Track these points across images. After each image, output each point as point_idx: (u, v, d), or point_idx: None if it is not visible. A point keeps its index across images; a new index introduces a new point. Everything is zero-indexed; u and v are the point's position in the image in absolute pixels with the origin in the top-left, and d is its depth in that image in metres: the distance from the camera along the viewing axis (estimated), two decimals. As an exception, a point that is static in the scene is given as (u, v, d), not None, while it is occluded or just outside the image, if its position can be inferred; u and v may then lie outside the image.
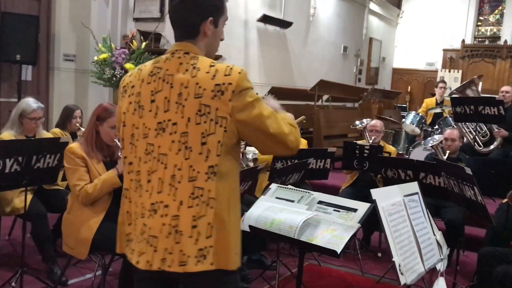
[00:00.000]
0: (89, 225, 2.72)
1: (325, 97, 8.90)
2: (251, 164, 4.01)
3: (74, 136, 4.29)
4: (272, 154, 3.82)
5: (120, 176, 2.84)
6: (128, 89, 1.74)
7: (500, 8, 13.90)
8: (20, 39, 5.80)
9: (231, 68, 1.59)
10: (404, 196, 2.05)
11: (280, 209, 2.21)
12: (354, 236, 2.13)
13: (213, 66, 1.59)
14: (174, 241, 1.59)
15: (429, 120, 7.78)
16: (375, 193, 1.89)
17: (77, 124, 4.29)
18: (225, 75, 1.57)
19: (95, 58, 5.60)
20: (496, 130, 5.86)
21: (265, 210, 2.20)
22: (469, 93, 6.35)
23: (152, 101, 1.65)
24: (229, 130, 1.58)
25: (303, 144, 4.92)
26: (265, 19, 8.64)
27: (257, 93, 1.66)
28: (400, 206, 1.98)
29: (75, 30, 6.91)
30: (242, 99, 1.58)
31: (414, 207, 2.08)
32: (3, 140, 3.37)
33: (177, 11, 1.68)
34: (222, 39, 1.77)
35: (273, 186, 2.60)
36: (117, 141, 2.89)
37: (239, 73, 1.59)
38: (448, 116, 7.04)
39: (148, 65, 1.73)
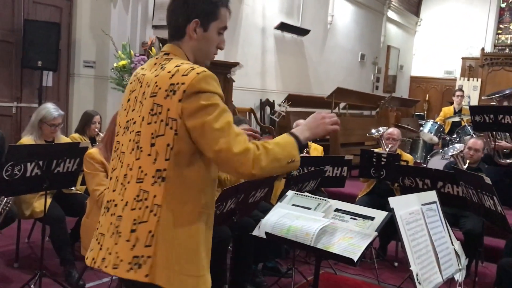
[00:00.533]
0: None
1: (342, 104, 8.88)
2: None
3: (93, 142, 4.35)
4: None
5: None
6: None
7: (521, 16, 13.74)
8: (42, 46, 5.92)
9: (193, 68, 1.49)
10: (422, 205, 2.04)
11: (296, 216, 2.21)
12: (371, 244, 2.12)
13: (178, 66, 1.52)
14: (114, 242, 1.52)
15: (447, 129, 7.70)
16: (393, 201, 1.88)
17: (96, 130, 4.34)
18: (183, 75, 1.48)
19: (115, 64, 5.68)
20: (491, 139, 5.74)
21: (281, 217, 2.19)
22: (506, 103, 6.19)
23: (128, 100, 1.65)
24: (181, 133, 1.46)
25: (319, 151, 4.90)
26: (283, 26, 8.67)
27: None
28: (418, 215, 1.96)
29: (95, 37, 7.02)
30: (193, 102, 1.45)
31: (432, 216, 2.06)
32: (25, 145, 3.43)
33: (167, 10, 1.66)
34: (220, 48, 1.68)
35: (290, 193, 2.60)
36: None
37: (198, 73, 1.47)
38: (466, 124, 6.96)
39: (140, 67, 1.73)
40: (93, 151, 2.86)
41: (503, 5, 13.97)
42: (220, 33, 1.66)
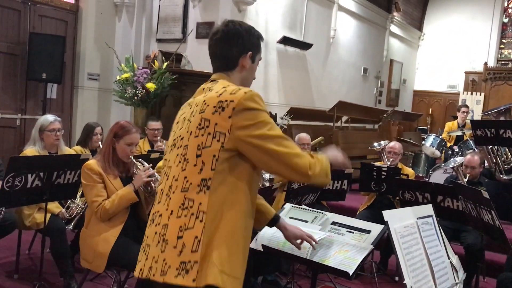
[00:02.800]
0: (107, 238, 2.77)
1: (344, 118, 8.89)
2: (267, 184, 4.03)
3: (94, 154, 4.39)
4: (280, 177, 3.70)
5: (137, 192, 2.90)
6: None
7: (524, 31, 13.78)
8: (47, 59, 6.00)
9: (239, 89, 1.63)
10: (417, 218, 2.04)
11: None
12: (366, 258, 2.12)
13: (225, 87, 1.66)
14: (160, 250, 1.59)
15: (451, 143, 7.69)
16: (387, 214, 1.89)
17: (98, 141, 4.38)
18: (231, 93, 1.62)
19: (118, 77, 5.74)
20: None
21: (277, 231, 2.20)
22: (503, 118, 6.20)
23: (177, 122, 1.78)
24: (227, 147, 1.58)
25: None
26: (285, 40, 8.73)
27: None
28: (413, 228, 1.97)
29: (100, 50, 7.12)
30: (243, 118, 1.58)
31: (427, 229, 2.06)
32: (25, 156, 3.47)
33: (218, 45, 1.78)
34: (254, 78, 1.85)
35: (287, 206, 2.61)
36: (132, 158, 2.96)
37: (245, 92, 1.61)
38: (469, 139, 6.96)
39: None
40: (91, 162, 2.88)
41: (505, 20, 14.02)
42: (257, 64, 1.87)
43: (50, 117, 3.80)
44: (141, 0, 7.38)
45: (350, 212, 5.15)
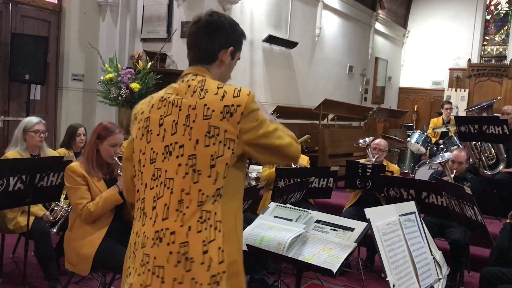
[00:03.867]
0: (91, 241, 2.75)
1: (330, 116, 8.93)
2: (253, 183, 4.03)
3: (79, 156, 4.35)
4: (275, 165, 3.97)
5: (121, 193, 2.88)
6: (138, 116, 1.74)
7: (506, 28, 13.95)
8: (30, 59, 5.93)
9: (239, 90, 1.59)
10: (400, 215, 2.06)
11: (269, 227, 2.23)
12: (350, 255, 2.14)
13: (221, 87, 1.60)
14: (185, 269, 1.51)
15: (436, 139, 7.76)
16: (369, 212, 1.90)
17: (81, 143, 4.35)
18: (234, 96, 1.57)
19: (102, 77, 5.70)
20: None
21: (255, 227, 2.21)
22: (485, 114, 6.28)
23: (161, 124, 1.64)
24: (236, 151, 1.57)
25: (305, 161, 4.93)
26: (271, 39, 8.74)
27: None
28: (395, 225, 1.99)
29: (84, 51, 7.05)
30: (250, 121, 1.57)
31: (410, 226, 2.08)
32: (7, 159, 3.43)
33: (199, 34, 1.69)
34: (229, 78, 1.80)
35: (272, 205, 2.62)
36: (116, 159, 2.93)
37: (248, 95, 1.59)
38: (453, 135, 7.03)
39: (160, 92, 1.74)
40: (74, 164, 2.86)
41: (488, 17, 14.19)
42: (235, 63, 1.80)
43: (34, 119, 3.78)
44: (125, 0, 7.33)
45: (337, 209, 5.18)
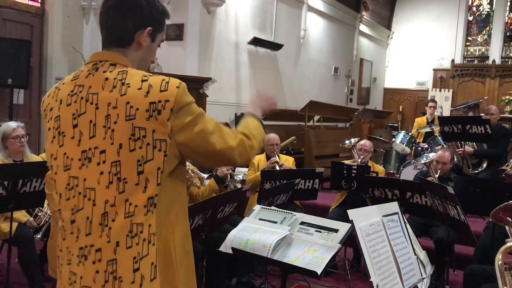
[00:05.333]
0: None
1: (316, 117, 8.98)
2: (239, 186, 4.04)
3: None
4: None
5: None
6: (47, 113, 1.49)
7: (488, 28, 14.15)
8: (12, 63, 5.86)
9: (167, 82, 1.37)
10: (383, 216, 2.08)
11: (254, 229, 2.23)
12: (335, 256, 2.15)
13: (146, 80, 1.37)
14: None
15: (420, 139, 7.83)
16: (352, 213, 1.91)
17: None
18: (161, 90, 1.35)
19: (86, 81, 5.66)
20: (461, 149, 5.89)
21: (240, 230, 2.21)
22: (471, 114, 6.36)
23: (75, 125, 1.40)
24: (170, 154, 1.38)
25: (290, 162, 4.95)
26: (256, 41, 8.76)
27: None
28: (378, 226, 2.00)
29: (68, 54, 6.99)
30: (181, 118, 1.37)
31: (393, 227, 2.10)
32: (-11, 165, 3.38)
33: (111, 12, 1.46)
34: (153, 61, 1.62)
35: (257, 207, 2.62)
36: None
37: (177, 87, 1.37)
38: (437, 135, 7.10)
39: (66, 82, 1.48)
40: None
41: (470, 18, 14.38)
42: (159, 46, 1.57)
43: (12, 124, 3.73)
44: (108, 3, 7.29)
45: (323, 210, 5.21)
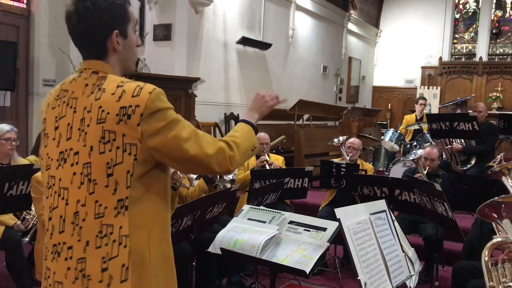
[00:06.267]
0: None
1: (306, 116, 8.99)
2: (228, 186, 4.03)
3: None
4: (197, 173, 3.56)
5: None
6: (42, 115, 1.57)
7: (474, 26, 14.26)
8: (-2, 66, 5.80)
9: (141, 88, 1.39)
10: (370, 214, 2.09)
11: (243, 229, 2.23)
12: (323, 255, 2.16)
13: (121, 86, 1.40)
14: (82, 287, 1.39)
15: (409, 137, 7.88)
16: (339, 212, 1.92)
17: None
18: (133, 96, 1.38)
19: (73, 83, 5.61)
20: (449, 146, 5.94)
21: (229, 230, 2.21)
22: (459, 111, 6.40)
23: (56, 127, 1.47)
24: (141, 158, 1.39)
25: (280, 161, 4.95)
26: (244, 41, 8.75)
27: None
28: (366, 224, 2.01)
29: (55, 55, 6.93)
30: (153, 123, 1.38)
31: (381, 225, 2.11)
32: (-26, 168, 3.35)
33: (75, 33, 1.48)
34: (138, 45, 1.58)
35: (246, 207, 2.62)
36: None
37: (150, 92, 1.39)
38: (426, 132, 7.15)
39: (56, 88, 1.55)
40: (39, 174, 2.81)
41: (457, 16, 14.49)
42: (135, 30, 1.56)
43: (6, 127, 3.72)
44: (95, 3, 7.23)
45: (313, 208, 5.22)
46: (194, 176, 4.01)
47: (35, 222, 3.65)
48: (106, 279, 1.37)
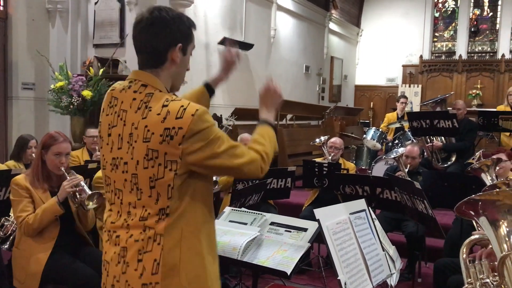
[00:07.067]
0: (38, 257, 2.67)
1: (289, 116, 9.01)
2: (210, 187, 4.01)
3: (28, 168, 4.21)
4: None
5: (64, 203, 2.78)
6: (101, 116, 1.70)
7: (453, 24, 14.46)
8: (-26, 69, 5.70)
9: (184, 109, 1.49)
10: (350, 214, 2.10)
11: (224, 232, 2.23)
12: (305, 256, 2.16)
13: (166, 106, 1.51)
14: (121, 271, 1.58)
15: (391, 135, 7.95)
16: (319, 212, 1.92)
17: (33, 155, 4.21)
18: (177, 118, 1.48)
19: (52, 86, 5.54)
20: (430, 143, 6.01)
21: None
22: (439, 109, 6.47)
23: (109, 135, 1.62)
24: (181, 172, 1.52)
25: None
26: (226, 41, 8.73)
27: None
28: (345, 224, 2.02)
29: (34, 58, 6.83)
30: (194, 143, 1.50)
31: (360, 224, 2.12)
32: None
33: (143, 36, 1.59)
34: (188, 69, 1.69)
35: (227, 209, 2.62)
36: (63, 169, 2.84)
37: (192, 115, 1.49)
38: (407, 130, 7.22)
39: (108, 93, 1.67)
40: (19, 177, 2.77)
41: (437, 15, 14.67)
42: (191, 54, 1.69)
43: None
44: (75, 5, 7.14)
45: (297, 208, 5.23)
46: None
47: (14, 229, 3.58)
48: (140, 269, 1.54)
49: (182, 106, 1.50)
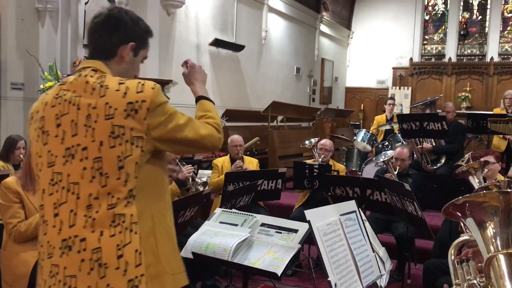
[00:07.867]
0: (26, 259, 2.65)
1: (280, 117, 9.03)
2: (201, 188, 4.01)
3: (17, 169, 4.18)
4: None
5: None
6: (34, 115, 1.62)
7: (443, 27, 14.58)
8: (-37, 69, 5.64)
9: (142, 84, 1.51)
10: (340, 215, 2.11)
11: (215, 233, 2.23)
12: (295, 257, 2.17)
13: (123, 83, 1.51)
14: (99, 276, 1.45)
15: (381, 137, 7.99)
16: (309, 214, 1.93)
17: (21, 156, 4.18)
18: (138, 92, 1.49)
19: (41, 86, 5.50)
20: (419, 145, 6.06)
21: (200, 235, 2.21)
22: (428, 111, 6.52)
23: (58, 125, 1.53)
24: (146, 148, 1.51)
25: (254, 164, 4.96)
26: (217, 43, 8.73)
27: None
28: (336, 225, 2.03)
29: (23, 58, 6.77)
30: (157, 116, 1.51)
31: (351, 225, 2.13)
32: None
33: (97, 28, 1.62)
34: (136, 75, 1.70)
35: (218, 211, 2.61)
36: None
37: (152, 88, 1.51)
38: (397, 132, 7.26)
39: (54, 88, 1.62)
40: (9, 180, 2.74)
41: (426, 17, 14.78)
42: (142, 62, 1.72)
43: None
44: (65, 5, 7.09)
45: (287, 209, 5.23)
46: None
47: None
48: (122, 265, 1.46)
49: (139, 82, 1.53)
